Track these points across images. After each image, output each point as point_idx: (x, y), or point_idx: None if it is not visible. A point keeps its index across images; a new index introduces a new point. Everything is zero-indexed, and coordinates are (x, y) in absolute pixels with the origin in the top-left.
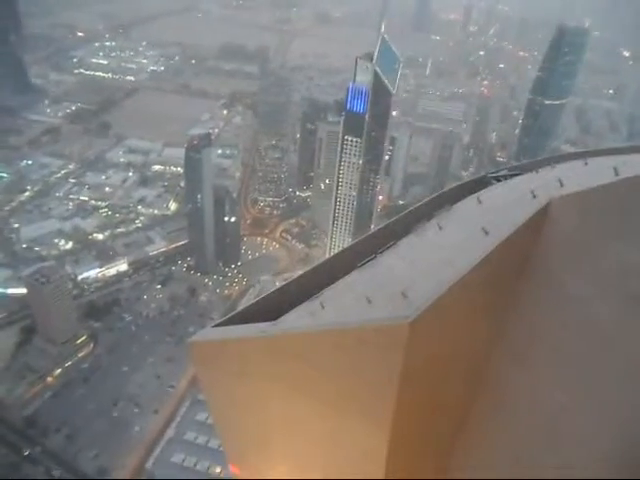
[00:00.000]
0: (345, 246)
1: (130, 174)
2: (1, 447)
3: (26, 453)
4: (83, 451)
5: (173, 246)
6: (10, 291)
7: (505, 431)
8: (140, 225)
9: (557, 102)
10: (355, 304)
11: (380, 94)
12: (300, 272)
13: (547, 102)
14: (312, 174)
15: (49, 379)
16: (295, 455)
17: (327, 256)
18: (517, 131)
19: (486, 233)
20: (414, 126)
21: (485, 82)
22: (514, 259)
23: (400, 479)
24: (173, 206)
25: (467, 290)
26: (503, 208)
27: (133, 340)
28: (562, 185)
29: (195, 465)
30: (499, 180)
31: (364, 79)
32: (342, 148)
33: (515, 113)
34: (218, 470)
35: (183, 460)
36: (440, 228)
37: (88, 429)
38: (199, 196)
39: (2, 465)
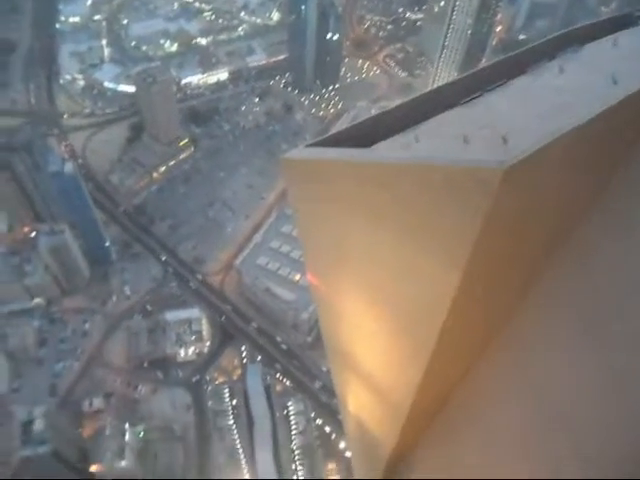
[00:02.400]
0: (450, 79)
1: None
2: (116, 226)
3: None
4: (183, 241)
5: (273, 59)
6: (120, 87)
7: (578, 292)
8: (242, 34)
9: None
10: (451, 142)
11: None
12: (399, 102)
13: None
14: None
15: (155, 174)
16: (366, 276)
17: (430, 88)
18: None
19: (615, 82)
20: None
21: None
22: None
23: (463, 322)
24: (276, 16)
25: (575, 144)
26: None
27: (230, 149)
28: None
29: (277, 270)
30: None
31: None
32: None
33: None
34: (297, 277)
35: (267, 264)
36: (561, 71)
37: (188, 223)
38: (303, 7)
39: (119, 242)
